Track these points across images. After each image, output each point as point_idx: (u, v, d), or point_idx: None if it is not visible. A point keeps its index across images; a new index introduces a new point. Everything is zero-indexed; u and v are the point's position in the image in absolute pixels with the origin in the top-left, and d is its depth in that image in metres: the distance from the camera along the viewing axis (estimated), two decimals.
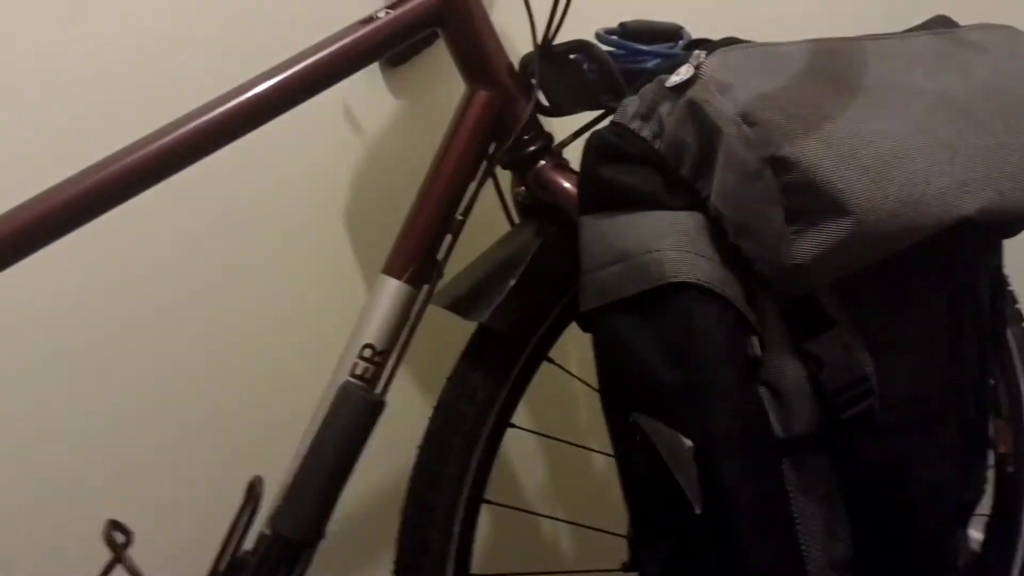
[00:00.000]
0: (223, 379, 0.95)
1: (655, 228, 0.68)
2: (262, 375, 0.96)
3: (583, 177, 0.72)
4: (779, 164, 0.61)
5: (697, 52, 0.66)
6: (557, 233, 0.79)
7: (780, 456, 0.68)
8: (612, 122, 0.72)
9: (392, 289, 0.76)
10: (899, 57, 0.70)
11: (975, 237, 0.68)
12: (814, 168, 0.61)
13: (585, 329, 0.76)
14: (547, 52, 0.80)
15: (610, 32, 0.86)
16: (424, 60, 0.97)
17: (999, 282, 0.77)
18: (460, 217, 0.78)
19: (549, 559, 1.18)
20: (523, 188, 0.81)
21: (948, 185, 0.64)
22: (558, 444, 1.05)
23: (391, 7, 0.75)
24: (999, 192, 0.66)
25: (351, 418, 0.71)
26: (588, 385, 0.75)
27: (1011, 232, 0.73)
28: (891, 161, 0.63)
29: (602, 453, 0.79)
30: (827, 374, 0.67)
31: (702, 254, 0.66)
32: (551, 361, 0.84)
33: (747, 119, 0.62)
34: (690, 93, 0.65)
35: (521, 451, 1.13)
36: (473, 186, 0.78)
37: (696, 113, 0.64)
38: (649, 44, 0.86)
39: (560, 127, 0.84)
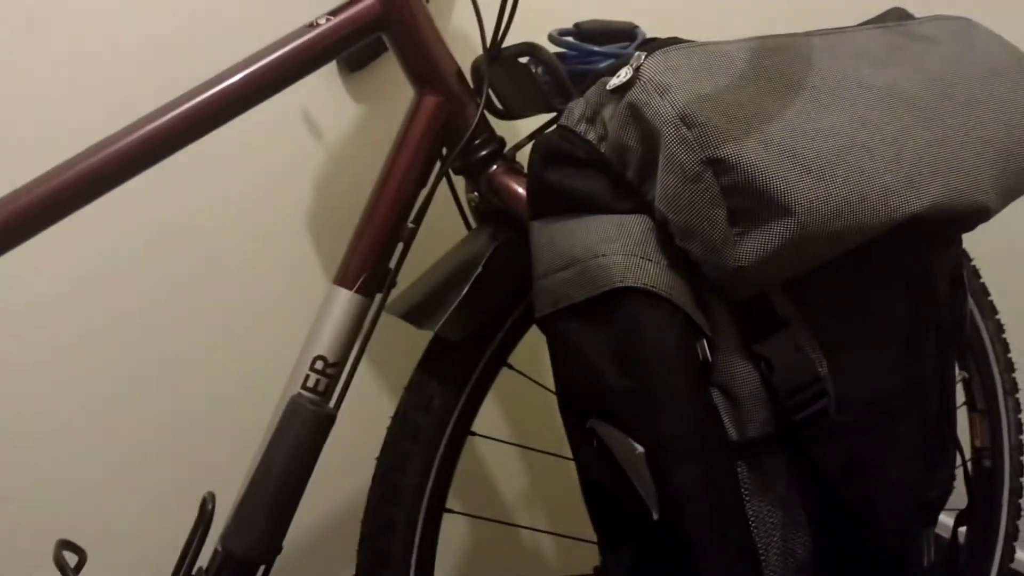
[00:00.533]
0: (176, 394, 0.94)
1: (602, 232, 0.67)
2: (216, 388, 0.96)
3: (531, 182, 0.72)
4: (719, 165, 0.60)
5: (638, 53, 0.65)
6: (511, 238, 0.78)
7: (735, 459, 0.67)
8: (558, 125, 0.72)
9: (343, 299, 0.76)
10: (846, 52, 0.69)
11: (929, 233, 0.67)
12: (753, 168, 0.60)
13: (543, 333, 0.75)
14: (496, 56, 0.79)
15: (564, 33, 0.86)
16: (384, 64, 0.96)
17: (959, 276, 0.76)
18: (411, 225, 0.77)
19: (521, 566, 1.17)
20: (476, 194, 0.80)
21: (894, 182, 0.63)
22: (529, 450, 1.04)
23: (332, 13, 0.74)
24: (949, 188, 0.65)
25: (300, 433, 0.70)
26: (549, 390, 0.74)
27: (967, 227, 0.72)
28: (834, 159, 0.62)
29: (563, 457, 0.78)
30: (778, 376, 0.66)
31: (649, 258, 0.65)
32: (510, 367, 0.83)
33: (686, 121, 0.61)
34: (630, 95, 0.64)
35: (493, 458, 1.12)
36: (424, 192, 0.77)
37: (636, 116, 0.63)
38: (604, 45, 0.85)
39: (517, 131, 0.83)
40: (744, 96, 0.63)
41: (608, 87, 0.66)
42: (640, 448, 0.64)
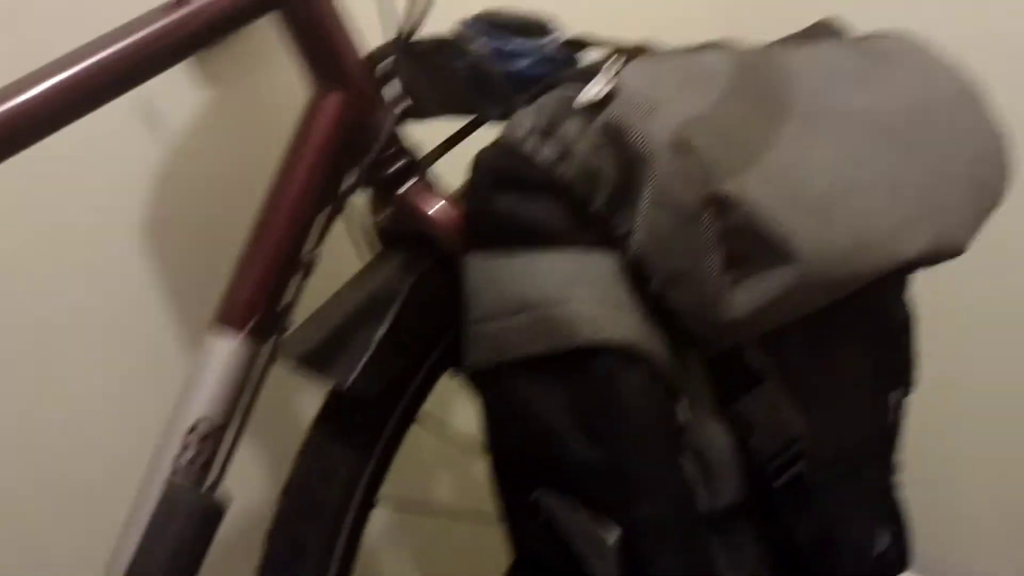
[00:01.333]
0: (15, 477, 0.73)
1: (563, 273, 0.56)
2: (56, 467, 0.75)
3: (472, 209, 0.59)
4: (720, 203, 0.51)
5: (611, 61, 0.55)
6: (431, 268, 0.65)
7: (708, 535, 0.58)
8: (504, 140, 0.60)
9: (226, 347, 0.60)
10: (818, 72, 0.61)
11: (894, 275, 0.61)
12: (758, 208, 0.51)
13: (474, 386, 0.63)
14: (407, 47, 0.65)
15: (470, 24, 0.73)
16: (244, 37, 0.79)
17: (908, 316, 0.71)
18: (310, 253, 0.62)
19: None
20: (386, 213, 0.67)
21: (891, 225, 0.57)
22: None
23: None
24: (937, 230, 0.59)
25: (183, 532, 0.54)
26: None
27: (934, 264, 0.67)
28: (835, 199, 0.55)
29: (484, 526, 0.67)
30: (756, 439, 0.59)
31: (622, 307, 0.55)
32: (415, 420, 0.70)
33: (680, 148, 0.51)
34: (608, 114, 0.53)
35: (400, 529, 0.97)
36: (326, 214, 0.63)
37: (618, 139, 0.53)
38: (509, 30, 0.74)
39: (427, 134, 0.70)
40: (736, 118, 0.54)
41: (580, 101, 0.54)
42: (616, 531, 0.55)
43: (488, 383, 0.60)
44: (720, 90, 0.55)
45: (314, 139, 0.62)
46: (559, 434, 0.56)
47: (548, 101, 0.58)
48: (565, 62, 0.72)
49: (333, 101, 0.62)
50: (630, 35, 0.75)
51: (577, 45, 0.75)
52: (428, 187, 0.66)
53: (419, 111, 0.70)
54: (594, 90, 0.54)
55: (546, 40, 0.73)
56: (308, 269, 0.63)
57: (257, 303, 0.61)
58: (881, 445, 0.68)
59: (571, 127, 0.56)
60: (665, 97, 0.53)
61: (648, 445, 0.55)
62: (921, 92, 0.64)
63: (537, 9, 0.77)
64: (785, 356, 0.61)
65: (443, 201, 0.65)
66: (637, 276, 0.55)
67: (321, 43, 0.61)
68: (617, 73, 0.54)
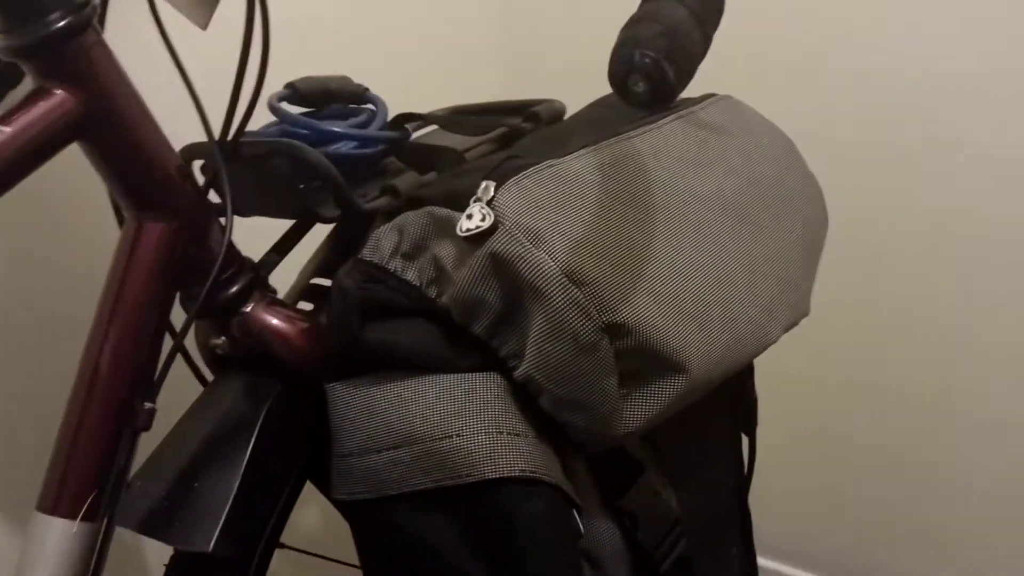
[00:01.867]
0: None
1: (448, 402, 0.53)
2: None
3: (337, 339, 0.55)
4: (616, 331, 0.50)
5: (485, 185, 0.51)
6: (281, 395, 0.59)
7: None
8: (366, 262, 0.55)
9: (62, 532, 0.51)
10: (666, 159, 0.61)
11: None
12: (652, 329, 0.51)
13: (346, 514, 0.59)
14: (232, 151, 0.58)
15: (282, 97, 0.67)
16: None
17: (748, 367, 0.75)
18: (148, 405, 0.54)
19: None
20: (222, 338, 0.60)
21: (757, 314, 0.59)
22: None
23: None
24: (791, 305, 0.62)
25: None
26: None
27: None
28: (710, 300, 0.55)
29: None
30: (643, 530, 0.60)
31: (515, 431, 0.53)
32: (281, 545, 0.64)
33: (573, 278, 0.49)
34: (492, 244, 0.50)
35: None
36: (161, 358, 0.55)
37: (505, 271, 0.50)
38: (328, 106, 0.69)
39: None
40: (613, 232, 0.53)
41: (459, 232, 0.51)
42: None
43: (365, 515, 0.57)
44: (594, 202, 0.53)
45: (137, 283, 0.53)
46: (457, 567, 0.54)
47: (410, 220, 0.54)
48: (393, 141, 0.68)
49: (157, 234, 0.54)
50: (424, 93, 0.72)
51: (401, 120, 0.71)
52: (273, 303, 0.60)
53: (245, 212, 0.63)
54: (475, 221, 0.50)
55: (367, 118, 0.68)
56: (147, 423, 0.54)
57: (92, 478, 0.52)
58: (740, 497, 0.71)
59: (444, 252, 0.53)
60: (546, 221, 0.51)
61: (555, 566, 0.54)
62: (755, 163, 0.66)
63: (342, 71, 0.72)
64: (656, 438, 0.62)
65: (292, 318, 0.59)
66: (522, 392, 0.53)
67: (140, 168, 0.53)
68: (491, 200, 0.51)
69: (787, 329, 0.62)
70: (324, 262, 0.65)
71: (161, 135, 0.54)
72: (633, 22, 0.57)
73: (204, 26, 0.55)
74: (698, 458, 0.65)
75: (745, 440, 0.74)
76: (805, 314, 0.65)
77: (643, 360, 0.52)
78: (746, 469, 0.73)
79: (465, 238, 0.51)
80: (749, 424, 0.73)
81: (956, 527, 1.06)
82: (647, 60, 0.54)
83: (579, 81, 0.72)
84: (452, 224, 0.52)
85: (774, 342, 0.60)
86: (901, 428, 1.06)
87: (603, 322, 0.50)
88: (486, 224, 0.50)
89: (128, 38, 0.57)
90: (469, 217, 0.51)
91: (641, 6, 0.58)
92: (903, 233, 1.00)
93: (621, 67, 0.56)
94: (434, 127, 0.73)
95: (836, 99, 1.00)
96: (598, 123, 0.65)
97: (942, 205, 0.97)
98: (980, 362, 0.99)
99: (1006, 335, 0.97)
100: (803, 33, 1.00)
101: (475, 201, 0.51)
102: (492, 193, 0.51)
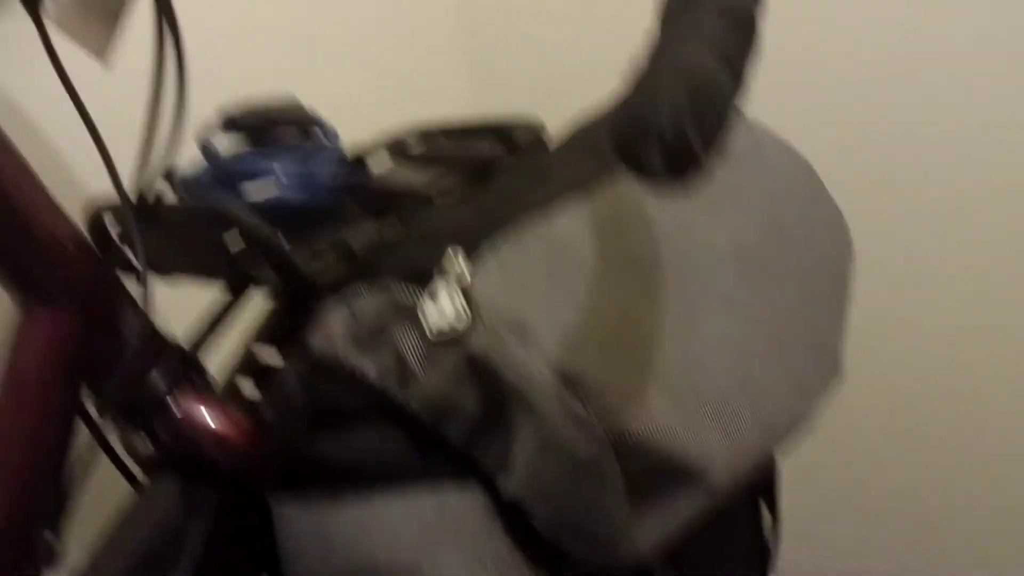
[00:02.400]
0: None
1: (417, 526, 0.44)
2: None
3: (282, 449, 0.45)
4: (624, 442, 0.40)
5: (453, 253, 0.41)
6: (223, 499, 0.49)
7: None
8: (312, 353, 0.45)
9: None
10: (671, 204, 0.51)
11: None
12: (665, 436, 0.42)
13: None
14: (148, 213, 0.48)
15: (214, 130, 0.57)
16: None
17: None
18: (51, 538, 0.44)
19: None
20: (148, 441, 0.49)
21: (787, 390, 0.49)
22: None
23: None
24: (823, 375, 0.53)
25: None
26: None
27: None
28: (733, 387, 0.46)
29: None
30: None
31: (500, 561, 0.44)
32: None
33: (568, 382, 0.40)
34: (472, 345, 0.40)
35: None
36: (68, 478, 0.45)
37: (485, 375, 0.40)
38: (271, 135, 0.58)
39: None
40: (615, 312, 0.43)
41: (430, 332, 0.41)
42: None
43: None
44: (590, 271, 0.44)
45: (28, 386, 0.43)
46: None
47: (368, 306, 0.44)
48: (350, 187, 0.58)
49: (52, 324, 0.43)
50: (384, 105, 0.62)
51: (357, 160, 0.61)
52: (204, 394, 0.49)
53: (165, 270, 0.53)
54: (447, 317, 0.40)
55: (319, 154, 0.57)
56: (49, 559, 0.44)
57: None
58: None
59: (408, 344, 0.42)
60: (532, 305, 0.41)
61: None
62: (775, 200, 0.55)
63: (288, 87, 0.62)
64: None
65: (229, 414, 0.49)
66: (511, 515, 0.44)
67: (14, 245, 0.42)
68: (466, 286, 0.40)
69: (820, 401, 0.53)
70: (268, 329, 0.55)
71: (47, 198, 0.43)
72: (644, 73, 0.39)
73: (106, 61, 0.44)
74: (714, 556, 0.56)
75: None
76: (840, 369, 0.55)
77: (657, 472, 0.42)
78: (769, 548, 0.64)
79: (435, 340, 0.40)
80: (770, 495, 0.64)
81: (956, 528, 1.02)
82: (665, 123, 0.36)
83: (547, 82, 0.62)
84: (416, 313, 0.42)
85: (809, 414, 0.51)
86: (901, 428, 1.02)
87: (608, 434, 0.40)
88: (460, 326, 0.40)
89: (19, 72, 0.47)
90: (437, 304, 0.41)
91: (651, 48, 0.40)
92: (903, 233, 0.94)
93: (630, 133, 0.36)
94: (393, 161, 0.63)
95: (829, 99, 0.92)
96: (588, 152, 0.54)
97: (950, 205, 0.90)
98: (981, 362, 0.94)
99: (1007, 335, 0.92)
100: (796, 32, 0.91)
101: (442, 276, 0.41)
102: (463, 267, 0.41)
